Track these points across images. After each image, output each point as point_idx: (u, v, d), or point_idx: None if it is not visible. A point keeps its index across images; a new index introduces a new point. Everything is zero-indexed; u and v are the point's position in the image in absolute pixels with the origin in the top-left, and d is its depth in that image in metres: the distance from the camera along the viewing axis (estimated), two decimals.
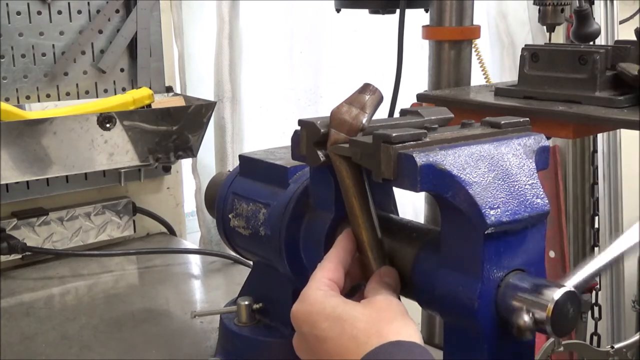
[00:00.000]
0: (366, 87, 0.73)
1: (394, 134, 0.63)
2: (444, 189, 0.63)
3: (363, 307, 0.65)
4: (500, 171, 0.65)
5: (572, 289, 0.61)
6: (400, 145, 0.64)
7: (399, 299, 0.70)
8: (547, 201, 0.66)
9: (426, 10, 1.56)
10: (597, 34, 1.52)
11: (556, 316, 0.59)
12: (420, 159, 0.62)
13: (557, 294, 0.60)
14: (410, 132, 0.65)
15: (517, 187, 0.65)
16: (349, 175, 0.71)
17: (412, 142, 0.64)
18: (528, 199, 0.65)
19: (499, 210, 0.62)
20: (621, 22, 2.45)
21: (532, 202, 0.65)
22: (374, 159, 0.65)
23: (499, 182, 0.64)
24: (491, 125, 0.71)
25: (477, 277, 0.62)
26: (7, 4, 1.45)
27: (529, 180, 0.66)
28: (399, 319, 0.63)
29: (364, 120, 0.71)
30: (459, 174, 0.63)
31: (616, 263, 0.58)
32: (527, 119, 0.72)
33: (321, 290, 0.67)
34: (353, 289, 0.73)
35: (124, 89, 1.62)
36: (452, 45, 1.55)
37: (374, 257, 0.72)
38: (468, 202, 0.62)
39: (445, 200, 0.64)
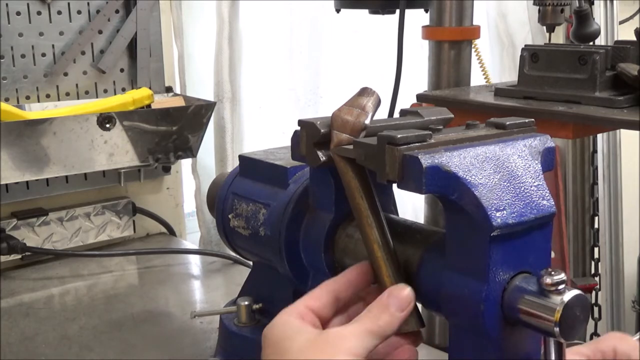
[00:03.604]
0: (364, 90, 0.74)
1: (399, 135, 0.63)
2: (450, 191, 0.62)
3: (312, 340, 0.62)
4: (506, 173, 0.65)
5: (581, 292, 0.60)
6: (405, 146, 0.63)
7: (413, 313, 0.68)
8: (553, 203, 0.65)
9: (426, 11, 1.57)
10: (596, 34, 1.53)
11: (565, 320, 0.59)
12: (426, 160, 0.61)
13: (566, 297, 0.59)
14: (415, 133, 0.64)
15: (523, 188, 0.64)
16: (354, 176, 0.71)
17: (417, 144, 0.64)
18: (534, 200, 0.64)
19: (505, 212, 0.62)
20: (621, 22, 2.45)
21: (538, 204, 0.64)
22: (379, 160, 0.64)
23: (505, 183, 0.64)
24: (496, 126, 0.71)
25: (483, 280, 0.62)
26: (7, 4, 1.45)
27: (534, 182, 0.66)
28: (329, 354, 0.60)
29: (366, 121, 0.71)
30: (465, 176, 0.62)
31: None
32: (533, 119, 0.72)
33: (283, 317, 0.66)
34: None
35: (123, 89, 1.62)
36: (452, 46, 1.55)
37: (384, 257, 0.71)
38: (474, 204, 0.61)
39: (450, 202, 0.63)
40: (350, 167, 0.71)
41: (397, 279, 0.69)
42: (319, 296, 0.68)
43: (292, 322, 0.65)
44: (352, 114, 0.71)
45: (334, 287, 0.69)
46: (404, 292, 0.66)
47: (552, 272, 0.60)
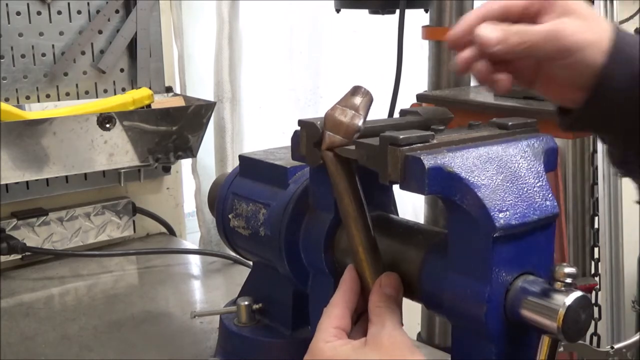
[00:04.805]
0: (357, 90, 0.73)
1: (401, 136, 0.63)
2: (452, 192, 0.62)
3: (371, 351, 0.65)
4: (509, 173, 0.65)
5: (584, 293, 0.60)
6: (407, 147, 0.63)
7: (401, 307, 0.70)
8: (556, 203, 0.65)
9: (426, 11, 1.57)
10: None
11: (568, 321, 0.59)
12: (428, 161, 0.61)
13: (568, 298, 0.59)
14: (418, 134, 0.64)
15: (525, 189, 0.64)
16: (343, 178, 0.71)
17: (419, 144, 0.64)
18: (537, 201, 0.64)
19: (507, 213, 0.62)
20: (621, 22, 2.44)
21: (541, 205, 0.64)
22: (381, 161, 0.64)
23: (508, 184, 0.63)
24: (498, 127, 0.71)
25: (485, 281, 0.62)
26: (7, 4, 1.45)
27: (537, 182, 0.66)
28: (407, 356, 0.63)
29: (360, 123, 0.70)
30: (467, 177, 0.62)
31: None
32: (535, 119, 0.72)
33: (329, 342, 0.67)
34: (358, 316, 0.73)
35: (123, 89, 1.62)
36: None
37: (368, 260, 0.71)
38: (476, 204, 0.61)
39: (453, 203, 0.63)
40: (341, 170, 0.71)
41: None
42: (342, 314, 0.70)
43: (339, 350, 0.66)
44: (345, 115, 0.71)
45: (347, 301, 0.71)
46: (392, 276, 0.70)
47: (565, 265, 0.60)
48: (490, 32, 0.68)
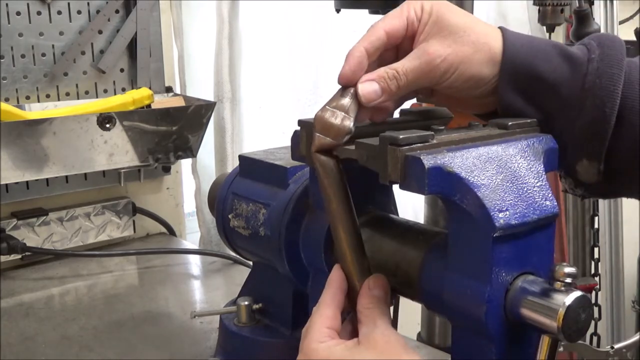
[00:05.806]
0: (346, 90, 0.73)
1: (401, 136, 0.63)
2: (452, 192, 0.62)
3: (366, 350, 0.65)
4: (509, 173, 0.64)
5: (584, 293, 0.60)
6: (407, 147, 0.63)
7: (390, 307, 0.70)
8: (555, 203, 0.65)
9: None
10: None
11: (568, 321, 0.59)
12: (428, 161, 0.61)
13: (568, 298, 0.59)
14: (418, 134, 0.64)
15: (525, 189, 0.64)
16: (332, 181, 0.70)
17: (419, 144, 0.64)
18: (537, 201, 0.64)
19: (507, 212, 0.61)
20: (621, 22, 2.45)
21: (541, 205, 0.64)
22: (381, 161, 0.64)
23: (508, 184, 0.63)
24: (498, 127, 0.71)
25: (485, 281, 0.62)
26: (7, 4, 1.45)
27: (537, 182, 0.65)
28: (402, 355, 0.64)
29: (351, 125, 0.70)
30: (467, 177, 0.62)
31: None
32: (535, 119, 0.72)
33: (322, 343, 0.67)
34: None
35: (123, 89, 1.62)
36: None
37: (355, 263, 0.71)
38: (476, 204, 0.61)
39: (453, 203, 0.63)
40: (330, 172, 0.70)
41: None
42: (333, 315, 0.70)
43: (333, 350, 0.66)
44: (336, 118, 0.70)
45: (336, 300, 0.71)
46: (379, 278, 0.70)
47: (565, 264, 0.60)
48: (369, 88, 0.71)
